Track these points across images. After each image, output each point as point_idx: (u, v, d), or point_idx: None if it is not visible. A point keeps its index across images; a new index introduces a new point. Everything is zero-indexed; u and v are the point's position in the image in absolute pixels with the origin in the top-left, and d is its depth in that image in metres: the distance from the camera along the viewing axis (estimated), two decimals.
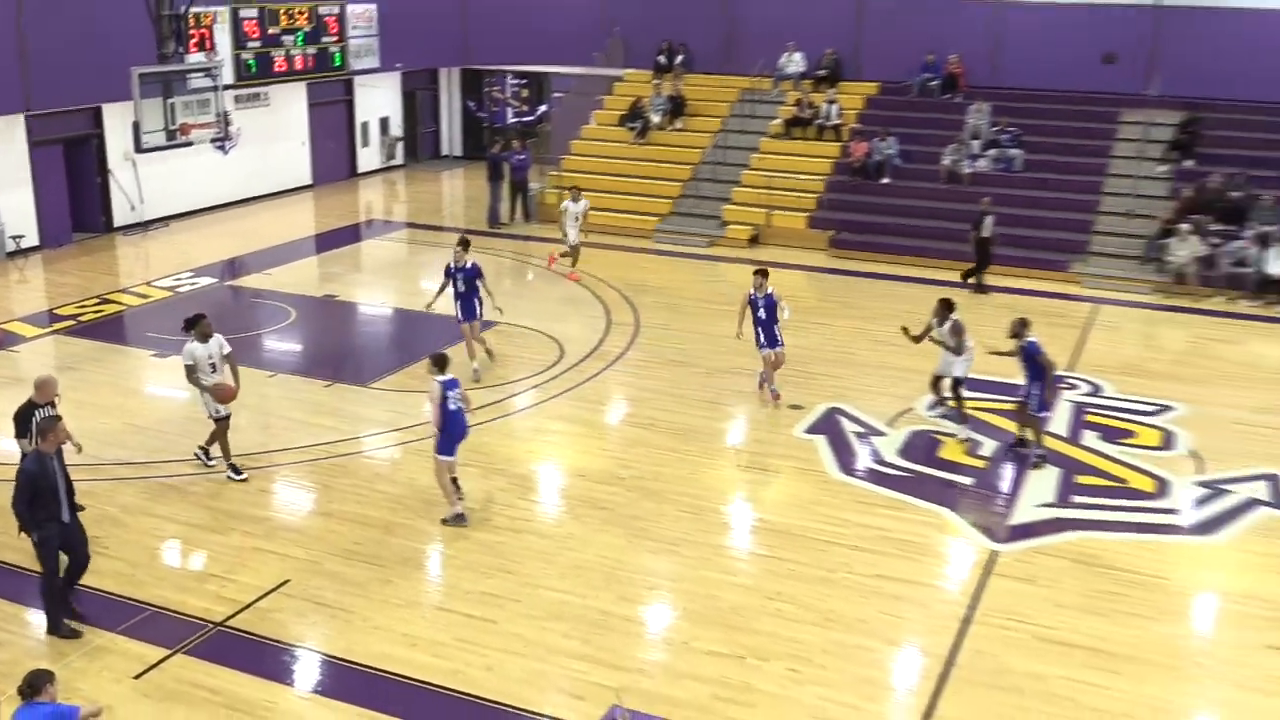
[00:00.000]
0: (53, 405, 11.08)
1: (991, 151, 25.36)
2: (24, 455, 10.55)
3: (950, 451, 14.37)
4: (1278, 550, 12.19)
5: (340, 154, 31.02)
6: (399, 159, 33.10)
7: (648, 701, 8.68)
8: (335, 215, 27.36)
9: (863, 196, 25.21)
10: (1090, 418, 15.59)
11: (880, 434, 14.87)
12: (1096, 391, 16.52)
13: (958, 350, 14.71)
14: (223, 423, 13.09)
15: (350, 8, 28.43)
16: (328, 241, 25.04)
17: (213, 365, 12.92)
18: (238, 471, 13.16)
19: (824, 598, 10.97)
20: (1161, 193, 23.75)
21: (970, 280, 21.84)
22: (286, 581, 11.07)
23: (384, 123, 32.49)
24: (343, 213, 27.71)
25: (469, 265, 16.14)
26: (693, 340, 18.42)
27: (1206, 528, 12.68)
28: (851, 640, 10.32)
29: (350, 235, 25.75)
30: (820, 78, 27.93)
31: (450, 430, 12.11)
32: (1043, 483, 13.53)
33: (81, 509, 10.32)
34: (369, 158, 32.07)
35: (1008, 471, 13.87)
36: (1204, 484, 13.65)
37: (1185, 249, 21.72)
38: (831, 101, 26.89)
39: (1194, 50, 25.61)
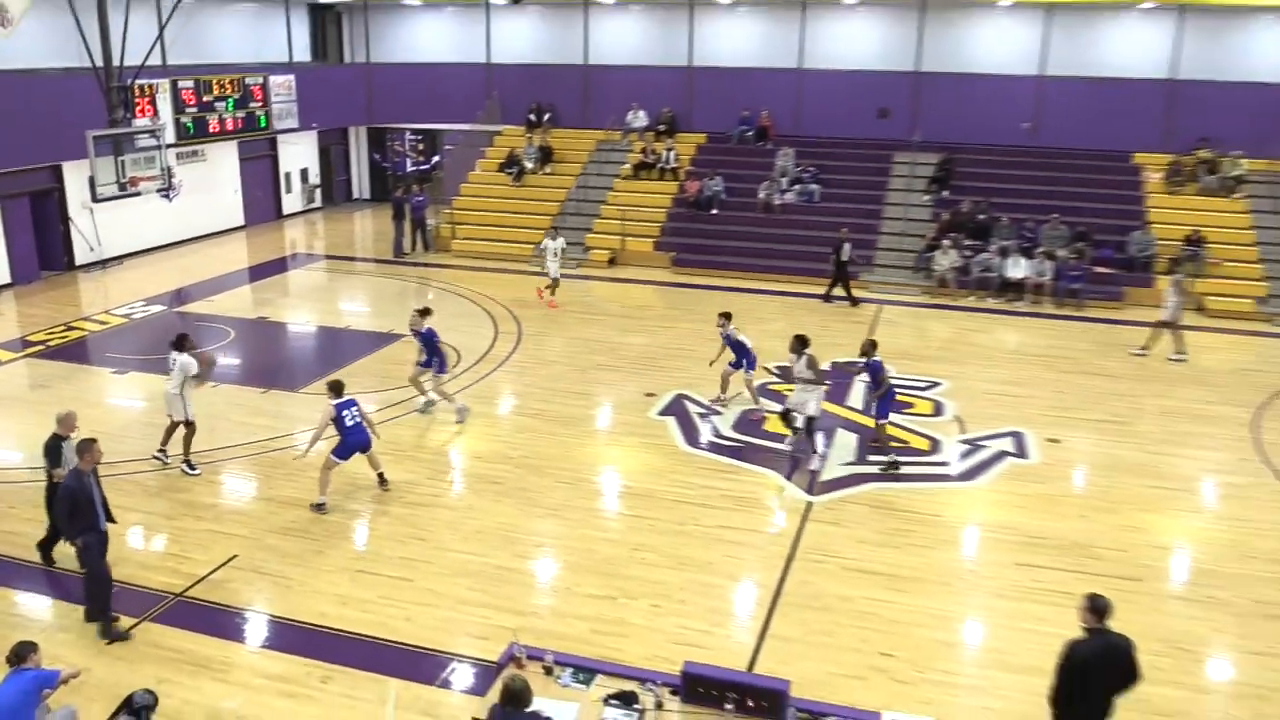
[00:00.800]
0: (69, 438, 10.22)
1: (796, 187, 25.80)
2: (51, 480, 10.05)
3: (773, 425, 14.55)
4: (1022, 490, 12.70)
5: (266, 199, 30.05)
6: (317, 203, 32.15)
7: (539, 638, 8.63)
8: (265, 251, 26.46)
9: (697, 224, 25.42)
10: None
11: (717, 413, 15.02)
12: None
13: (818, 381, 13.30)
14: (191, 426, 12.65)
15: (272, 78, 27.56)
16: (259, 273, 24.22)
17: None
18: (192, 467, 12.69)
19: (678, 546, 11.05)
20: (926, 217, 24.48)
21: (837, 295, 21.80)
22: (235, 556, 10.71)
23: (304, 173, 31.54)
24: (271, 248, 26.81)
25: (424, 330, 14.64)
26: (566, 344, 18.35)
27: (969, 475, 13.12)
28: (702, 579, 10.41)
29: (278, 267, 24.94)
30: (660, 130, 28.09)
31: (346, 440, 11.90)
32: (845, 446, 13.85)
33: (113, 522, 9.61)
34: (292, 202, 31.08)
35: (819, 439, 14.11)
36: (966, 441, 14.12)
37: (945, 260, 22.44)
38: (670, 149, 27.05)
39: (947, 106, 26.51)
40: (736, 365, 15.18)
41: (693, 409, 15.13)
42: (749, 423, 14.66)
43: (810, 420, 13.27)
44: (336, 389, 12.03)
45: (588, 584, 10.27)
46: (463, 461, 13.51)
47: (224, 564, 10.56)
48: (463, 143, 29.74)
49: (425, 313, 14.99)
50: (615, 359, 17.52)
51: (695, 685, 6.83)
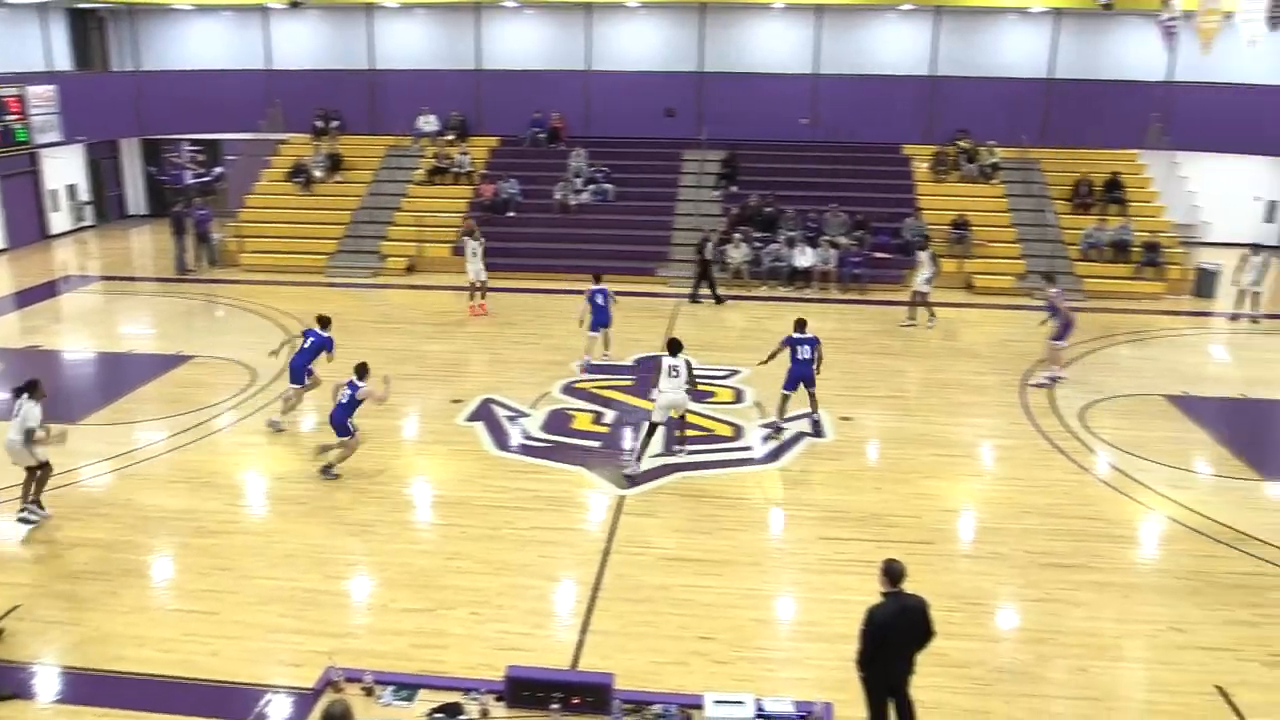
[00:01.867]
0: None
1: (591, 186, 25.98)
2: None
3: (581, 423, 14.63)
4: (821, 468, 13.23)
5: (30, 218, 27.73)
6: (89, 220, 30.01)
7: (357, 659, 8.33)
8: (32, 274, 24.39)
9: (495, 228, 25.11)
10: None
11: (525, 415, 14.92)
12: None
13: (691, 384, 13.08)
14: (47, 468, 11.55)
15: (30, 89, 25.47)
16: (27, 298, 22.29)
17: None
18: (41, 508, 11.56)
19: (493, 551, 10.92)
20: (717, 212, 25.16)
21: (704, 296, 21.94)
22: (17, 607, 9.79)
23: (71, 189, 29.32)
24: (39, 271, 24.74)
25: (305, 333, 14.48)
26: (366, 355, 17.64)
27: (771, 457, 13.55)
28: (519, 582, 10.32)
29: (47, 291, 23.04)
30: (451, 134, 27.69)
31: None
32: (655, 438, 14.02)
33: None
34: (60, 220, 28.87)
35: (627, 433, 14.28)
36: (766, 425, 14.60)
37: (738, 253, 23.13)
38: (463, 153, 26.72)
39: (730, 104, 27.34)
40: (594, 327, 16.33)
41: (500, 413, 14.98)
42: (558, 423, 14.65)
43: (654, 426, 13.09)
44: (359, 371, 12.98)
45: (404, 598, 10.00)
46: (265, 483, 12.88)
47: (3, 616, 9.66)
48: (246, 153, 28.42)
49: (322, 322, 14.60)
50: (419, 367, 17.15)
51: (519, 689, 6.77)
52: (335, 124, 28.32)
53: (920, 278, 19.76)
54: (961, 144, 26.38)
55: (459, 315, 20.70)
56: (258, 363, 16.94)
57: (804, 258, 23.00)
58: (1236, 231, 27.26)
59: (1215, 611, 9.93)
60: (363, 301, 22.02)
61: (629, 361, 17.38)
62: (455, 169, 26.44)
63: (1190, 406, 15.66)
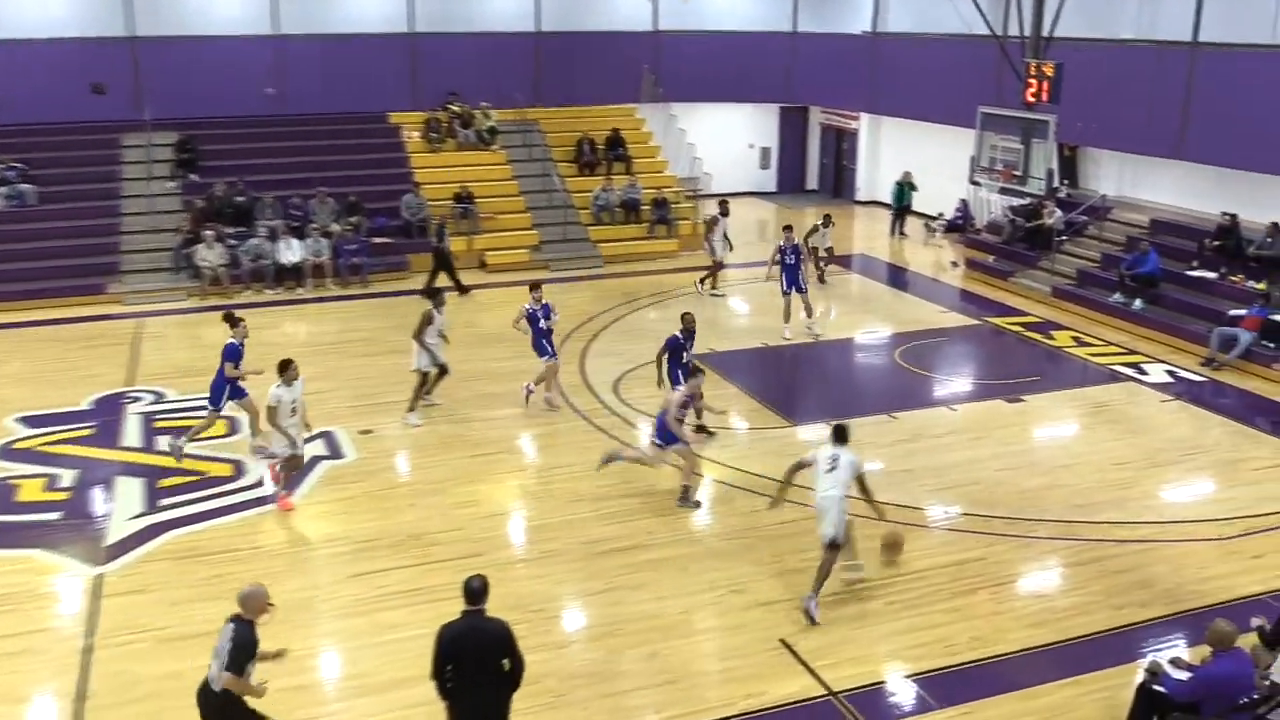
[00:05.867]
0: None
1: (3, 189, 23.22)
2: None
3: (29, 493, 13.04)
4: (344, 494, 13.03)
5: None
6: None
7: None
8: None
9: None
10: (159, 424, 15.14)
11: None
12: (160, 399, 16.10)
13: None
14: None
15: None
16: None
17: None
18: None
19: None
20: (177, 206, 23.69)
21: (445, 286, 20.48)
22: None
23: None
24: None
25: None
26: None
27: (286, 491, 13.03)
28: None
29: None
30: None
31: None
32: (130, 496, 12.90)
33: None
34: None
35: (94, 496, 12.97)
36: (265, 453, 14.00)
37: (211, 254, 21.91)
38: None
39: (176, 76, 25.73)
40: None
41: None
42: None
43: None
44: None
45: None
46: None
47: None
48: None
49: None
50: None
51: None
52: None
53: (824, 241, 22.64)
54: (453, 108, 27.09)
55: None
56: None
57: (290, 252, 22.37)
58: (737, 181, 30.76)
59: (768, 565, 11.19)
60: None
61: (84, 404, 15.81)
62: None
63: (718, 362, 17.43)
